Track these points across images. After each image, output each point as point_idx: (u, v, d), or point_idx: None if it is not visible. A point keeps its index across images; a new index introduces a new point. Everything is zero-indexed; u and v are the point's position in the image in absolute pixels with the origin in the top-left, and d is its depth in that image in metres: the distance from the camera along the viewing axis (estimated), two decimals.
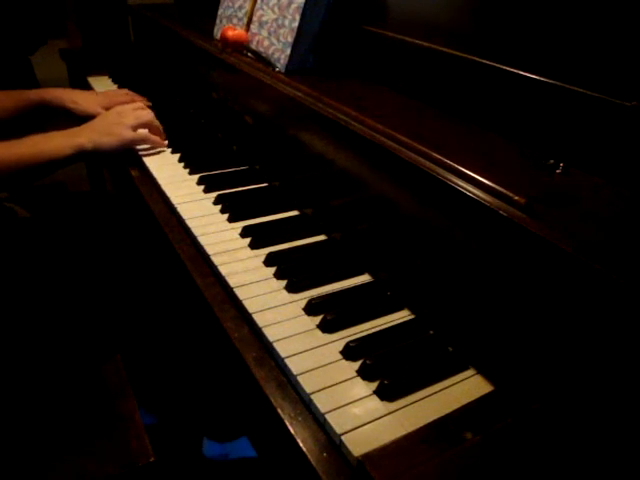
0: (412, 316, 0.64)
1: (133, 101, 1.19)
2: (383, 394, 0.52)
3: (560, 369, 0.48)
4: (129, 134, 0.98)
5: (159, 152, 1.03)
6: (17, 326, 0.83)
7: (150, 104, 1.22)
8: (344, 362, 0.57)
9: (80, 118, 1.12)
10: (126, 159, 1.03)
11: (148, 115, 1.04)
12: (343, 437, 0.48)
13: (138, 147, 1.02)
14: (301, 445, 0.49)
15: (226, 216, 0.82)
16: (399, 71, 0.85)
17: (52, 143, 0.91)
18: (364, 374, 0.55)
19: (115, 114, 1.02)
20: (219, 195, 0.87)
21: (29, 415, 0.75)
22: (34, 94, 1.12)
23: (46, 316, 0.86)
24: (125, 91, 1.25)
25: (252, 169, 0.99)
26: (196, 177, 0.93)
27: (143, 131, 1.02)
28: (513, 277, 0.51)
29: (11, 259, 0.91)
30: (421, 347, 0.59)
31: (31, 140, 0.90)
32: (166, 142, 1.05)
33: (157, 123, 1.05)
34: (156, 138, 1.03)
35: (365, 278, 0.71)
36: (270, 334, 0.59)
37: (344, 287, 0.68)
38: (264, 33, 0.97)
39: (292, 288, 0.67)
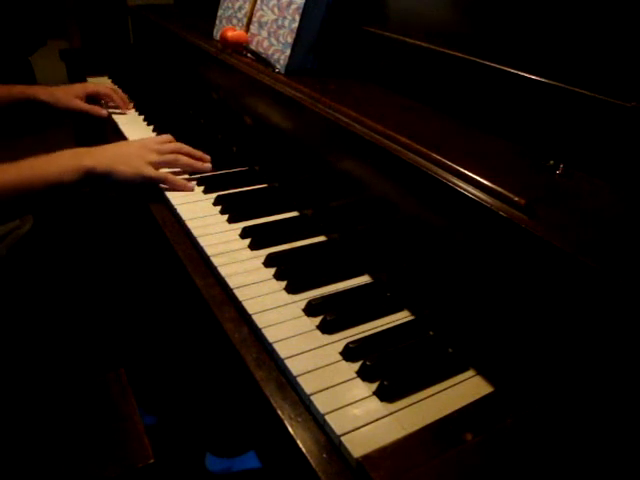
0: (412, 317, 0.64)
1: (111, 94, 1.23)
2: (383, 395, 0.52)
3: (560, 370, 0.48)
4: (148, 171, 0.87)
5: None
6: (21, 330, 0.83)
7: (132, 104, 1.27)
8: (344, 363, 0.57)
9: (62, 113, 1.14)
10: None
11: (171, 156, 0.92)
12: (343, 438, 0.47)
13: None
14: (301, 446, 0.49)
15: (226, 217, 0.82)
16: (399, 72, 0.85)
17: (55, 165, 0.81)
18: (364, 375, 0.54)
19: (138, 146, 0.91)
20: (219, 196, 0.87)
21: (30, 417, 0.75)
22: (17, 90, 1.12)
23: (49, 319, 0.86)
24: (109, 88, 1.27)
25: (252, 170, 0.99)
26: (196, 177, 0.93)
27: (165, 173, 0.90)
28: (513, 278, 0.51)
29: (15, 268, 0.91)
30: (421, 348, 0.59)
31: (30, 162, 0.80)
32: (194, 184, 0.91)
33: (186, 153, 0.93)
34: (178, 180, 0.89)
35: (365, 279, 0.71)
36: (270, 335, 0.59)
37: (344, 288, 0.68)
38: (264, 34, 0.97)
39: (292, 289, 0.67)
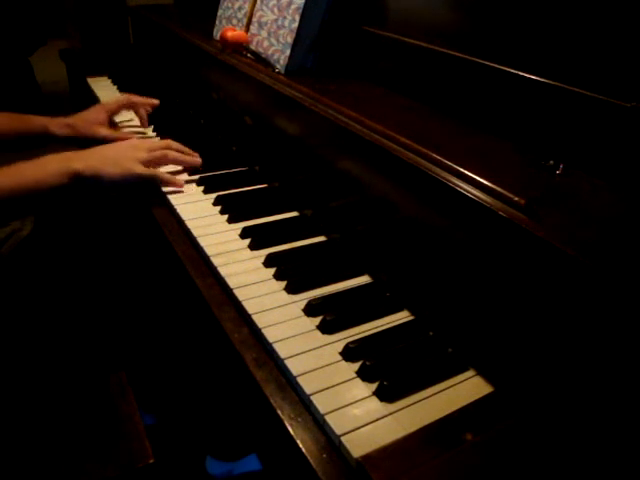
0: (412, 317, 0.64)
1: (130, 102, 1.14)
2: (383, 395, 0.52)
3: (560, 370, 0.48)
4: (139, 169, 0.86)
5: None
6: (23, 333, 0.83)
7: (157, 103, 1.17)
8: (344, 363, 0.57)
9: (84, 143, 1.05)
10: None
11: (160, 152, 0.91)
12: (343, 438, 0.47)
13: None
14: (301, 446, 0.49)
15: (226, 217, 0.82)
16: (399, 72, 0.85)
17: (41, 170, 0.80)
18: (364, 375, 0.54)
19: (127, 147, 0.91)
20: (219, 196, 0.87)
21: (31, 417, 0.75)
22: (37, 123, 1.04)
23: (50, 322, 0.86)
24: (124, 97, 1.17)
25: (252, 170, 0.99)
26: (196, 178, 0.93)
27: (156, 170, 0.90)
28: (513, 278, 0.51)
29: (17, 270, 0.90)
30: (421, 348, 0.59)
31: (16, 167, 0.79)
32: (184, 176, 0.93)
33: (175, 149, 0.94)
34: (169, 177, 0.90)
35: (365, 279, 0.71)
36: (270, 335, 0.59)
37: (344, 288, 0.68)
38: (264, 34, 0.97)
39: (292, 289, 0.67)
